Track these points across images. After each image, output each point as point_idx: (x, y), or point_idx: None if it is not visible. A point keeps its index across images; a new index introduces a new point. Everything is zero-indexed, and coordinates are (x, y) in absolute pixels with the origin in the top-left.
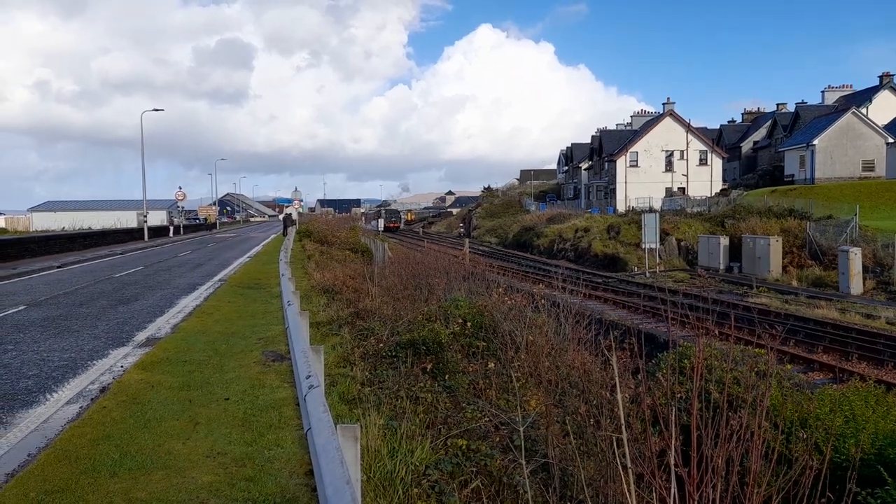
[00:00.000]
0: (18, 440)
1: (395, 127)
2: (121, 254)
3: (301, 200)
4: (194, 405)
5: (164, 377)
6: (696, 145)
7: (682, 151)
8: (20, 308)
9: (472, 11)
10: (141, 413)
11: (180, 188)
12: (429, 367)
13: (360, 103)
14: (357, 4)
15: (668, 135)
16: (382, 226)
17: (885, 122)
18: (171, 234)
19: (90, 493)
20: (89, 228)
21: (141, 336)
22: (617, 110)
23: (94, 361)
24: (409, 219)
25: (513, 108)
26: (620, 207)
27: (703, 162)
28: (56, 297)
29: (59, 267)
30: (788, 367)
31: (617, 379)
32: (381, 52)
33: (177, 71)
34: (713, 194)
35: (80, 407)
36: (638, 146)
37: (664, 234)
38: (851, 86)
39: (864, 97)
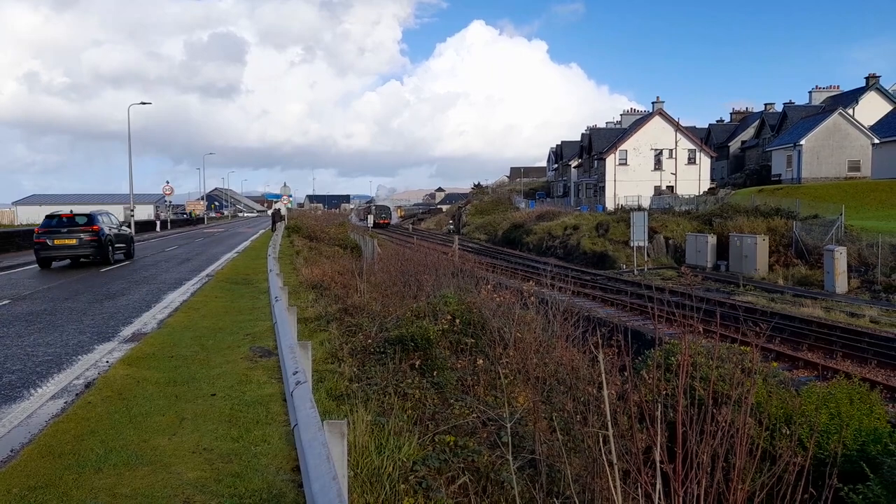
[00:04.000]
0: (1, 436)
1: (387, 123)
2: None
3: (290, 196)
4: (180, 401)
5: (150, 373)
6: (685, 144)
7: (670, 150)
8: (4, 302)
9: (467, 9)
10: (126, 408)
11: (168, 182)
12: (417, 363)
13: (352, 99)
14: (351, 0)
15: (657, 134)
16: (372, 222)
17: (871, 123)
18: (157, 228)
19: (74, 488)
20: None
21: (127, 331)
22: (608, 109)
23: (79, 356)
24: (399, 215)
25: (505, 106)
26: (609, 205)
27: (691, 161)
28: (41, 292)
29: None
30: (774, 364)
31: (604, 376)
32: (375, 48)
33: (169, 65)
34: (701, 193)
35: (65, 402)
36: (627, 144)
37: (652, 233)
38: (838, 87)
39: (850, 98)
